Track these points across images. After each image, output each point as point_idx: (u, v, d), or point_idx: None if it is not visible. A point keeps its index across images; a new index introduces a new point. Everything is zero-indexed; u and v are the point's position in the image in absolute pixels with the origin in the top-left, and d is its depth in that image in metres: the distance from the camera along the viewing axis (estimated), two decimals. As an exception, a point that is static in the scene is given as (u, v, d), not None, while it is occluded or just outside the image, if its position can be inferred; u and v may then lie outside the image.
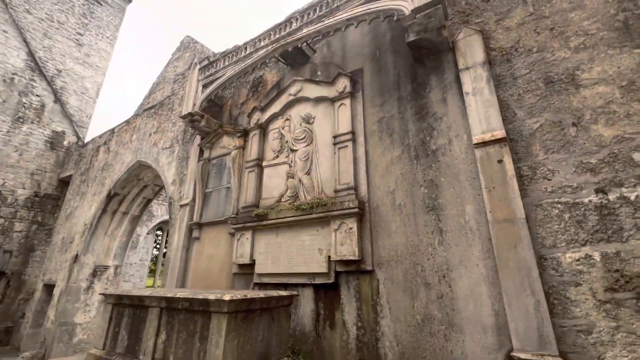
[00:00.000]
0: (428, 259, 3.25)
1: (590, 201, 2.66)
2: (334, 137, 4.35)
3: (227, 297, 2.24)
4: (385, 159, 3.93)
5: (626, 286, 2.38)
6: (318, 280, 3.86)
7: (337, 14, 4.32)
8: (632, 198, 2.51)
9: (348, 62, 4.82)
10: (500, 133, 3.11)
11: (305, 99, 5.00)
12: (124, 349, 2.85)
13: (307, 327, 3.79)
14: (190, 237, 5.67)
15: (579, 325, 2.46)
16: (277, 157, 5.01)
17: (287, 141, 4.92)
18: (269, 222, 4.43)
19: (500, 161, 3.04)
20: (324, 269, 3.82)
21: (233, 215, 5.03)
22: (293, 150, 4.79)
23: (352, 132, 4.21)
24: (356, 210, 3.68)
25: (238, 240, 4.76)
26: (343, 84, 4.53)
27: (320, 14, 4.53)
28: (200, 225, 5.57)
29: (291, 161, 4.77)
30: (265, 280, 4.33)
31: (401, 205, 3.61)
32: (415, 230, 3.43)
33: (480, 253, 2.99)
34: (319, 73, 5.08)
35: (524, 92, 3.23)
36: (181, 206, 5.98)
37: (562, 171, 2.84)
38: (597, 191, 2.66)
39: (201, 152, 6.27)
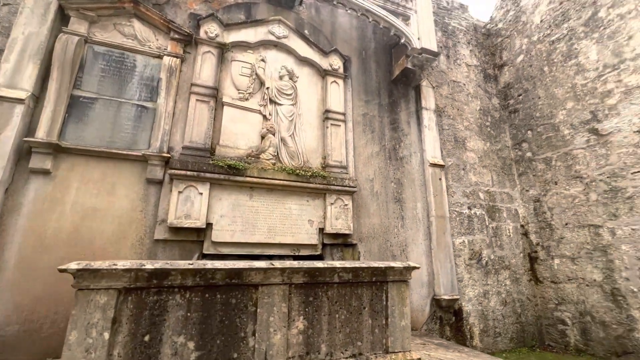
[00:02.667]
0: (394, 237, 4.29)
1: (465, 213, 4.93)
2: (326, 111, 4.29)
3: (413, 264, 2.06)
4: (367, 150, 4.53)
5: (474, 257, 4.74)
6: (303, 252, 3.67)
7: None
8: (477, 214, 5.01)
9: (337, 43, 4.84)
10: (441, 161, 4.83)
11: (288, 51, 4.39)
12: (186, 368, 1.42)
13: (286, 301, 3.49)
14: (16, 166, 2.90)
15: (459, 277, 4.53)
16: (247, 99, 3.96)
17: (267, 88, 4.05)
18: (246, 179, 3.50)
19: (440, 179, 4.73)
20: (314, 241, 3.72)
21: (164, 153, 3.31)
22: (275, 103, 4.05)
23: (344, 114, 4.41)
24: (355, 189, 3.99)
25: (180, 192, 3.25)
26: (338, 63, 4.56)
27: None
28: (57, 150, 3.02)
29: (269, 114, 4.00)
30: (227, 250, 3.35)
31: (378, 193, 4.39)
32: (387, 214, 4.34)
33: (423, 236, 4.47)
34: (306, 32, 4.62)
35: (447, 141, 5.20)
36: (-9, 98, 2.86)
37: (457, 193, 4.98)
38: (468, 208, 4.98)
39: (64, 16, 3.36)
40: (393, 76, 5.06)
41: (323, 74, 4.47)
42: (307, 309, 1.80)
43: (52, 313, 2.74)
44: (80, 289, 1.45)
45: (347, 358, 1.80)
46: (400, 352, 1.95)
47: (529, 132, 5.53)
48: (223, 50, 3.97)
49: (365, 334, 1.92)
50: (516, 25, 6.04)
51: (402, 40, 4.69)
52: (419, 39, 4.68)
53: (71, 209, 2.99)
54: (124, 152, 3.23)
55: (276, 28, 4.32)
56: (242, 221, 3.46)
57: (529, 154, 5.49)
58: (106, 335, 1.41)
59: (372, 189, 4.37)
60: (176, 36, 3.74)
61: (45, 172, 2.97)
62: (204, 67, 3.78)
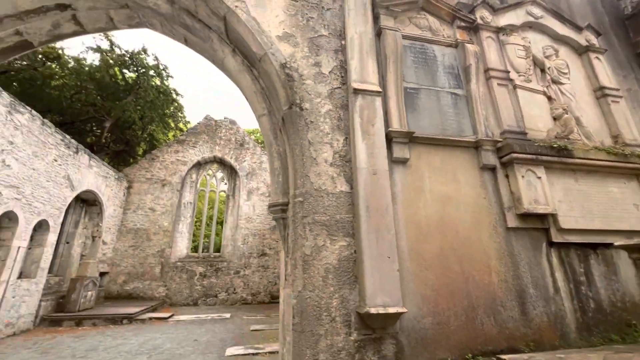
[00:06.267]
0: None
1: None
2: (602, 88, 3.94)
3: None
4: (645, 128, 4.06)
5: None
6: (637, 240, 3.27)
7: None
8: None
9: (576, 19, 4.53)
10: None
11: (542, 31, 4.16)
12: None
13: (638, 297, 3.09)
14: (386, 157, 2.89)
15: None
16: (529, 81, 3.76)
17: (548, 68, 3.83)
18: (575, 161, 3.24)
19: None
20: (646, 227, 3.31)
21: (497, 138, 3.17)
22: (556, 83, 3.80)
23: (618, 90, 4.02)
24: (669, 168, 3.54)
25: (523, 177, 3.06)
26: (593, 38, 4.22)
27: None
28: (409, 139, 3.00)
29: (555, 93, 3.75)
30: (572, 238, 3.07)
31: (672, 173, 3.87)
32: (690, 197, 3.79)
33: None
34: (553, 9, 4.37)
35: None
36: (357, 92, 2.93)
37: None
38: None
39: (374, 16, 3.44)
40: (638, 49, 4.58)
41: (582, 50, 4.16)
42: None
43: (452, 305, 2.63)
44: None
45: None
46: None
47: None
48: (498, 35, 3.84)
49: None
50: None
51: (664, 6, 4.23)
52: (684, 1, 4.19)
53: (430, 197, 2.93)
54: (457, 139, 3.14)
55: (533, 9, 4.13)
56: (578, 206, 3.18)
57: None
58: None
59: (665, 169, 3.86)
60: (462, 24, 3.69)
61: (404, 162, 2.96)
62: (490, 52, 3.67)
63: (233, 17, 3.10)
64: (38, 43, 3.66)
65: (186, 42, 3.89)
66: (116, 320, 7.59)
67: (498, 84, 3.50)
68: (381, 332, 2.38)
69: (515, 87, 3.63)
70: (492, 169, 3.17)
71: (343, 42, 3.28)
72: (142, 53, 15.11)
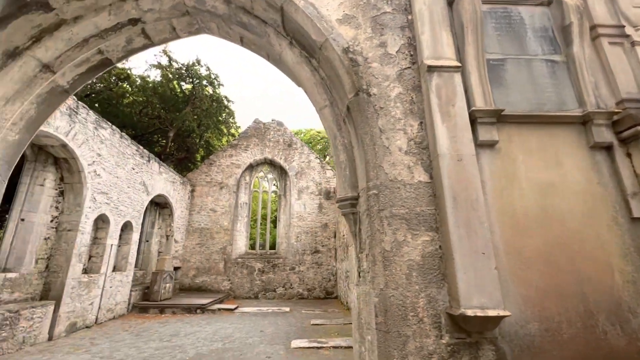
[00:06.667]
0: None
1: None
2: None
3: None
4: None
5: None
6: None
7: None
8: None
9: None
10: None
11: (661, -29, 3.30)
12: None
13: None
14: (471, 140, 2.53)
15: None
16: (649, 36, 3.03)
17: (677, 15, 3.05)
18: None
19: None
20: None
21: (614, 109, 2.60)
22: (688, 33, 3.01)
23: None
24: None
25: (652, 154, 2.46)
26: None
27: None
28: (497, 119, 2.59)
29: (688, 48, 2.97)
30: None
31: None
32: None
33: None
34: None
35: None
36: (431, 69, 2.62)
37: None
38: None
39: (443, -20, 3.06)
40: None
41: None
42: None
43: (562, 309, 2.21)
44: None
45: None
46: None
47: None
48: (600, -17, 3.16)
49: None
50: None
51: None
52: None
53: (527, 185, 2.51)
54: (557, 114, 2.64)
55: (645, -55, 3.31)
56: None
57: None
58: None
59: None
60: (552, -23, 3.10)
61: (492, 145, 2.58)
62: (596, 3, 3.03)
63: (290, 5, 3.00)
64: (116, 59, 3.99)
65: (242, 41, 3.92)
66: (191, 309, 8.26)
67: (610, 43, 2.87)
68: (477, 337, 2.09)
69: (633, 44, 2.94)
70: (608, 148, 2.60)
71: (409, 17, 2.98)
72: (196, 64, 16.21)
